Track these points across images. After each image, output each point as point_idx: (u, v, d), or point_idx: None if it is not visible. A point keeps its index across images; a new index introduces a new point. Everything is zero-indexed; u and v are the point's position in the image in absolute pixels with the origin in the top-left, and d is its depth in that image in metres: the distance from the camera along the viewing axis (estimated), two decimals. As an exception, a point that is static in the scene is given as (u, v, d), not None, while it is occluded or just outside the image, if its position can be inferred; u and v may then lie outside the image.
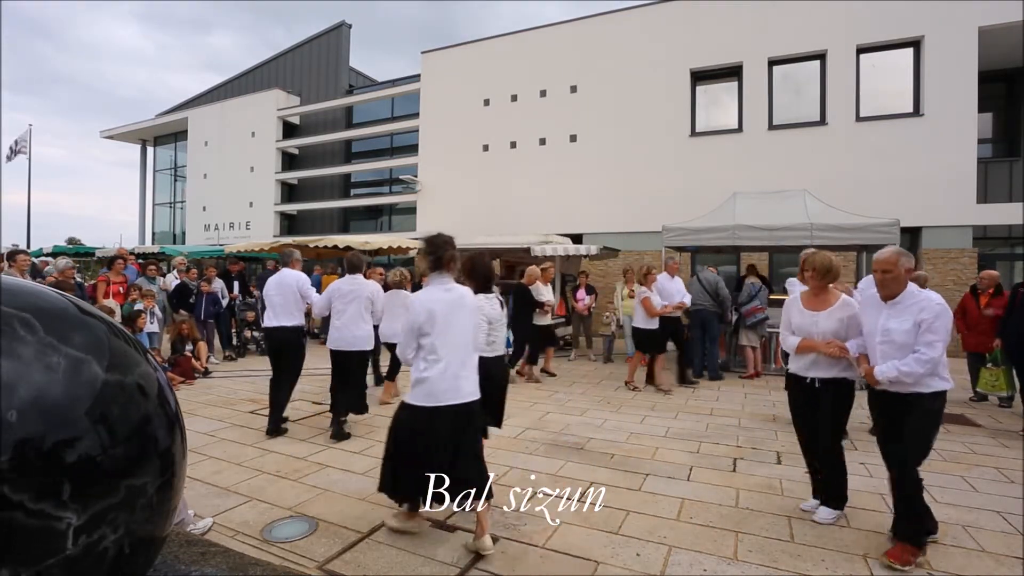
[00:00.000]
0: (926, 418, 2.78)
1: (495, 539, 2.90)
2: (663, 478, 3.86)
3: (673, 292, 7.15)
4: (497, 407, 3.58)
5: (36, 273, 7.94)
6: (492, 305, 3.43)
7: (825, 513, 3.19)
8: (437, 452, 2.75)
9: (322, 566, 2.64)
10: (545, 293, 7.74)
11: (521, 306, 7.39)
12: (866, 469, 4.03)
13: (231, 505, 3.33)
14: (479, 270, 3.44)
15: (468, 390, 2.84)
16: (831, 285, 3.30)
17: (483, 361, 3.21)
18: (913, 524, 2.75)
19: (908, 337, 2.78)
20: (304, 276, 5.13)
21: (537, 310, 7.52)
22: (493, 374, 3.38)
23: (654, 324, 6.76)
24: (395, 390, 6.20)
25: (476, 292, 3.22)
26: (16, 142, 20.55)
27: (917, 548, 2.70)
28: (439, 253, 2.90)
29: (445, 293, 2.85)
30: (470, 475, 2.80)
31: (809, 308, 3.23)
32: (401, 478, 2.85)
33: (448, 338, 2.79)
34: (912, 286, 2.88)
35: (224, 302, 8.99)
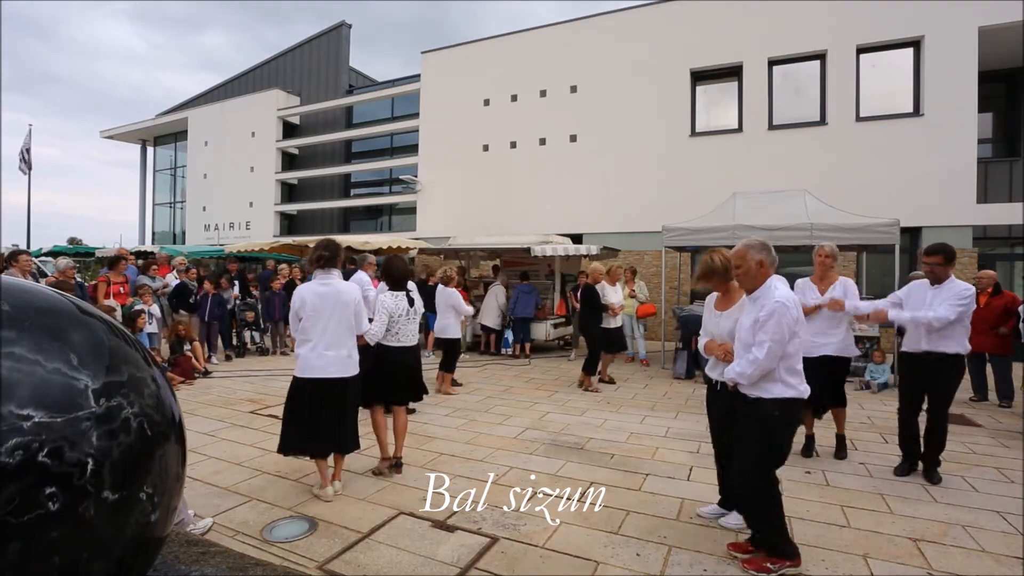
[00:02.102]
0: (758, 424, 2.65)
1: (494, 539, 2.91)
2: (663, 478, 3.86)
3: None
4: (407, 389, 4.05)
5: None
6: (398, 301, 3.91)
7: (734, 519, 3.06)
8: (304, 414, 3.38)
9: (322, 566, 2.64)
10: (610, 294, 7.29)
11: (586, 307, 7.04)
12: (866, 469, 4.03)
13: (231, 505, 3.33)
14: (388, 271, 4.01)
15: (335, 368, 3.39)
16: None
17: (386, 349, 3.89)
18: (765, 532, 2.61)
19: (749, 335, 2.66)
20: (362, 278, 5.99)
21: (605, 312, 7.08)
22: (395, 361, 3.91)
23: None
24: (450, 381, 6.82)
25: (390, 289, 3.96)
26: (26, 151, 20.37)
27: (779, 559, 2.56)
28: (311, 255, 3.55)
29: (320, 286, 3.43)
30: (330, 438, 3.43)
31: (717, 308, 3.10)
32: (286, 436, 3.47)
33: (317, 323, 3.37)
34: (772, 280, 2.70)
35: (228, 304, 9.02)
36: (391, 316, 3.86)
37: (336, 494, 3.44)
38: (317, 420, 3.38)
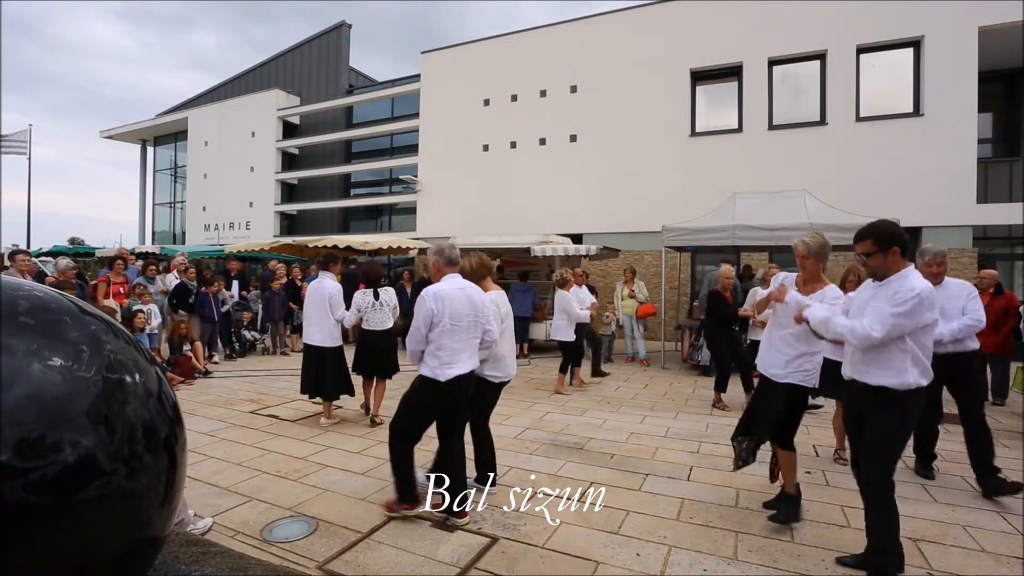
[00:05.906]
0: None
1: (495, 539, 2.91)
2: (663, 478, 3.86)
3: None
4: (376, 364, 5.24)
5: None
6: (365, 296, 5.22)
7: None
8: (308, 370, 5.18)
9: (322, 566, 2.64)
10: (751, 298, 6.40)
11: (710, 318, 6.39)
12: (866, 469, 4.03)
13: (231, 505, 3.33)
14: (365, 273, 5.31)
15: (318, 339, 5.13)
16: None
17: (363, 332, 5.24)
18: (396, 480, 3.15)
19: None
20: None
21: (751, 322, 6.41)
22: (367, 340, 5.24)
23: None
24: (577, 381, 7.12)
25: (366, 287, 5.23)
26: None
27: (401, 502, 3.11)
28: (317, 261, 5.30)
29: (316, 284, 5.22)
30: (328, 387, 5.13)
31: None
32: (302, 382, 5.27)
33: (311, 310, 5.19)
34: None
35: (230, 304, 9.02)
36: (359, 307, 5.19)
37: (326, 427, 5.03)
38: (318, 375, 5.11)
